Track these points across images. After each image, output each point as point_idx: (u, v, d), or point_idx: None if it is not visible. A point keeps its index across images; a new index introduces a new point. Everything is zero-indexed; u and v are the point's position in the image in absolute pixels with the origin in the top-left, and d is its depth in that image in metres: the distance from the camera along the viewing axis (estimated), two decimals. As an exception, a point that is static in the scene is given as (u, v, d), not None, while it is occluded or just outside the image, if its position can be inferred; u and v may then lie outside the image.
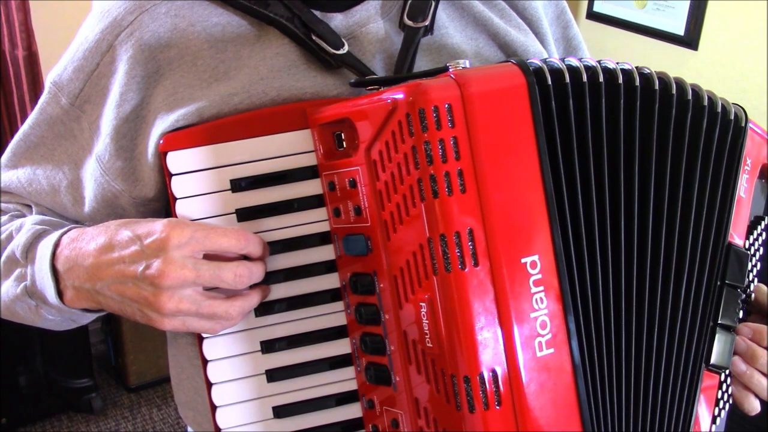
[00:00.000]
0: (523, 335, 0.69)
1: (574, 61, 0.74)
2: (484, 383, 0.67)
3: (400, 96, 0.68)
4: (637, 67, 0.77)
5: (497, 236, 0.68)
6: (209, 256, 0.74)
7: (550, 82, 0.71)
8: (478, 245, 0.67)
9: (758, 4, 2.36)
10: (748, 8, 2.40)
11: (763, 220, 0.88)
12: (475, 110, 0.68)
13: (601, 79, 0.73)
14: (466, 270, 0.67)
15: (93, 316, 0.85)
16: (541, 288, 0.69)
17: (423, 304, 0.70)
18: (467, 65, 0.74)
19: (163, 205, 0.85)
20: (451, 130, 0.67)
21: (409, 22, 0.85)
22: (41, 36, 2.54)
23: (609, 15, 2.86)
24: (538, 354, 0.69)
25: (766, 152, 0.86)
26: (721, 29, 2.50)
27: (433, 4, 0.86)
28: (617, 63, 0.76)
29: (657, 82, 0.76)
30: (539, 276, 0.69)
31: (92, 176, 0.85)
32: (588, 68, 0.73)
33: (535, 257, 0.69)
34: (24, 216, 0.89)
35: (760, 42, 2.38)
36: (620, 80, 0.74)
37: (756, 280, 0.88)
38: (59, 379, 2.67)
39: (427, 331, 0.70)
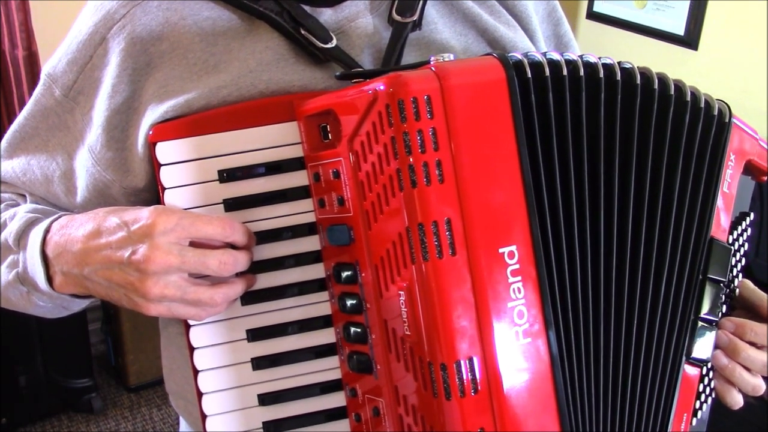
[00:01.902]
0: (500, 324, 0.69)
1: (554, 55, 0.75)
2: (460, 371, 0.68)
3: (380, 87, 0.69)
4: (619, 62, 0.77)
5: (475, 226, 0.69)
6: (196, 244, 0.75)
7: (529, 75, 0.72)
8: (456, 235, 0.68)
9: (758, 4, 2.36)
10: (748, 8, 2.40)
11: (748, 215, 0.89)
12: (454, 102, 0.69)
13: (582, 73, 0.74)
14: (443, 259, 0.68)
15: (83, 303, 0.87)
16: (519, 278, 0.70)
17: (401, 293, 0.71)
18: (451, 59, 0.75)
19: (154, 195, 0.86)
20: (430, 121, 0.68)
21: (397, 17, 0.87)
22: (41, 36, 2.56)
23: (609, 15, 2.86)
24: (515, 343, 0.70)
25: (751, 148, 0.87)
26: (721, 29, 2.49)
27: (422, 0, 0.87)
28: (599, 58, 0.77)
29: (638, 77, 0.77)
30: (517, 266, 0.70)
31: (84, 166, 0.86)
32: (569, 62, 0.74)
33: (513, 247, 0.70)
34: (19, 205, 0.91)
35: (760, 42, 2.37)
36: (601, 74, 0.75)
37: (740, 275, 0.89)
38: (59, 379, 2.68)
39: (406, 320, 0.71)
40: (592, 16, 2.94)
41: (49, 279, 0.80)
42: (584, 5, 2.97)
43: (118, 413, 2.79)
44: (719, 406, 0.87)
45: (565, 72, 0.74)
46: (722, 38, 2.49)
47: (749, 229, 0.89)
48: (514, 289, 0.70)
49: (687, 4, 2.55)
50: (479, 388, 0.69)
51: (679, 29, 2.58)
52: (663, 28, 2.64)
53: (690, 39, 2.55)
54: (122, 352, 2.82)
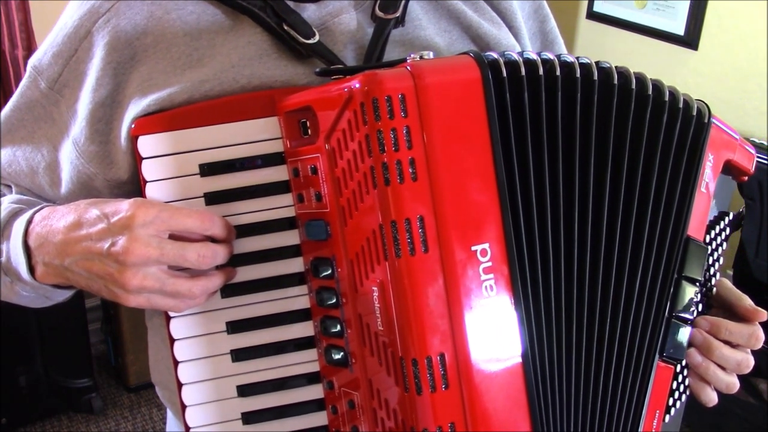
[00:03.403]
0: (471, 321, 0.70)
1: (531, 55, 0.75)
2: (431, 366, 0.69)
3: (356, 85, 0.70)
4: (597, 62, 0.78)
5: (448, 224, 0.70)
6: (176, 237, 0.76)
7: (505, 75, 0.72)
8: (429, 232, 0.69)
9: (758, 4, 2.35)
10: (748, 8, 2.40)
11: (727, 215, 0.89)
12: (428, 101, 0.69)
13: (558, 72, 0.75)
14: (415, 256, 0.69)
15: (66, 293, 0.88)
16: (491, 276, 0.71)
17: (375, 289, 0.72)
18: (430, 57, 0.76)
19: (137, 187, 0.87)
20: (404, 119, 0.69)
21: (380, 14, 0.87)
22: (41, 36, 2.54)
23: (609, 15, 2.86)
24: (487, 339, 0.71)
25: (731, 148, 0.87)
26: (721, 29, 2.49)
27: None
28: (577, 57, 0.77)
29: (616, 77, 0.77)
30: (489, 264, 0.71)
31: (69, 159, 0.87)
32: (545, 61, 0.75)
33: (486, 245, 0.71)
34: (4, 196, 0.92)
35: (760, 42, 2.37)
36: (578, 74, 0.76)
37: (718, 274, 0.89)
38: (59, 379, 2.67)
39: (379, 315, 0.72)
40: (592, 16, 2.94)
41: (32, 269, 0.81)
42: (584, 5, 2.97)
43: (118, 413, 2.79)
44: (720, 407, 0.87)
45: (541, 72, 0.74)
46: (722, 38, 2.49)
47: (728, 229, 0.90)
48: (486, 287, 0.71)
49: (687, 4, 2.55)
50: (450, 383, 0.70)
51: (679, 29, 2.58)
52: (663, 28, 2.64)
53: (690, 39, 2.55)
54: (122, 352, 2.81)
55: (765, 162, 2.07)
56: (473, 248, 0.71)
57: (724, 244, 0.90)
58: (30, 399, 2.64)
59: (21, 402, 2.63)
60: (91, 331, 2.78)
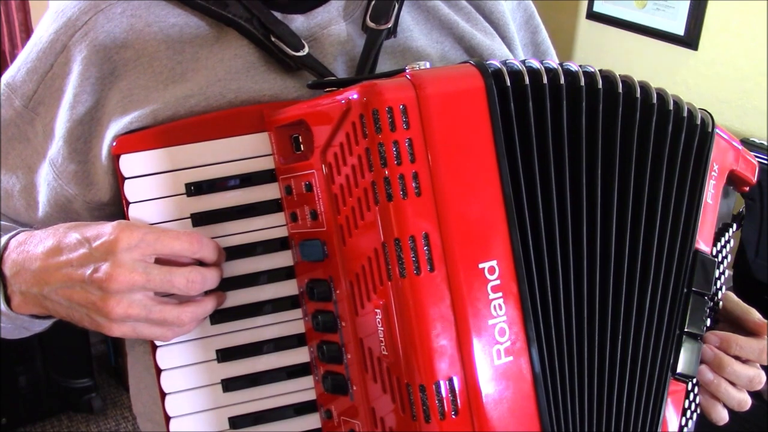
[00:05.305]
0: (480, 343, 0.67)
1: (534, 63, 0.72)
2: (440, 392, 0.66)
3: (354, 96, 0.66)
4: (600, 71, 0.75)
5: (454, 241, 0.66)
6: (162, 261, 0.72)
7: (509, 84, 0.69)
8: (434, 250, 0.66)
9: (758, 4, 2.36)
10: (748, 8, 2.41)
11: (731, 227, 0.87)
12: (430, 112, 0.66)
13: (563, 81, 0.72)
14: (421, 275, 0.65)
15: (45, 323, 0.83)
16: (500, 294, 0.68)
17: (378, 311, 0.68)
18: (427, 66, 0.73)
19: (119, 209, 0.82)
20: (406, 131, 0.65)
21: (371, 24, 0.84)
22: None
23: (609, 15, 2.85)
24: (496, 362, 0.67)
25: (734, 158, 0.85)
26: (721, 29, 2.50)
27: (396, 6, 0.85)
28: (580, 66, 0.75)
29: (621, 86, 0.75)
30: (497, 282, 0.68)
31: (45, 180, 0.83)
32: (549, 70, 0.72)
33: (494, 262, 0.68)
34: None
35: (760, 42, 2.37)
36: (582, 83, 0.73)
37: (723, 287, 0.87)
38: (59, 379, 2.67)
39: (382, 339, 0.68)
40: (592, 16, 2.93)
41: (8, 299, 0.76)
42: (584, 5, 2.96)
43: (118, 413, 2.77)
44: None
45: (545, 80, 0.71)
46: (722, 38, 2.50)
47: (732, 241, 0.87)
48: (495, 306, 0.67)
49: (687, 4, 2.56)
50: (460, 409, 0.66)
51: (679, 29, 2.58)
52: (663, 28, 2.64)
53: (690, 39, 2.56)
54: (122, 352, 2.77)
55: (765, 162, 2.07)
56: (480, 266, 0.67)
57: (729, 256, 0.87)
58: (30, 399, 2.63)
59: (21, 402, 2.62)
60: (91, 331, 2.72)
